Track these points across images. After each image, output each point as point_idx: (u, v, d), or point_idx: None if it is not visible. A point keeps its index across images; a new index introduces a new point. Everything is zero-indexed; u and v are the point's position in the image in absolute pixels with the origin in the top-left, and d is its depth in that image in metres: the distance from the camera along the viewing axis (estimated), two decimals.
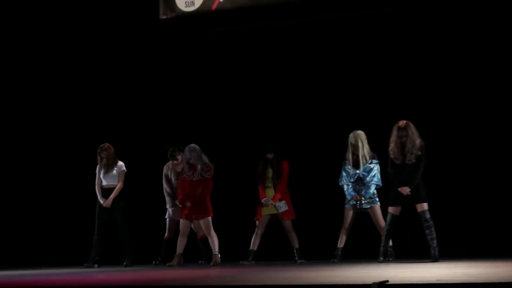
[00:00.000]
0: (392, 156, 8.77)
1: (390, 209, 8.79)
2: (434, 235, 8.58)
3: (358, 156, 9.30)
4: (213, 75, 11.32)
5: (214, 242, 9.57)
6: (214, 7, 10.71)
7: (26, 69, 12.20)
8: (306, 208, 10.12)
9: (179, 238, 9.67)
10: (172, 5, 10.93)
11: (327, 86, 10.72)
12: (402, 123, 8.76)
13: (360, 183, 9.31)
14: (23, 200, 12.05)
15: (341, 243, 9.39)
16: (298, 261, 9.61)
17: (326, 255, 9.56)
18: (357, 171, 9.30)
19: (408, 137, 8.67)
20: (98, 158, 10.04)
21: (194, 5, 10.82)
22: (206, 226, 9.59)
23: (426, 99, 10.10)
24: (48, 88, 12.14)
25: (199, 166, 9.56)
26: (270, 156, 9.78)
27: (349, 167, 9.31)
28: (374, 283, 4.92)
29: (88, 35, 11.67)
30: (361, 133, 9.36)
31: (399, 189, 8.67)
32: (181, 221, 9.69)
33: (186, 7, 10.87)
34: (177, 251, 9.67)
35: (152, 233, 10.63)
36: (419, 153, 8.68)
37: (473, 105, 9.94)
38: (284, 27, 10.87)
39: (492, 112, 9.88)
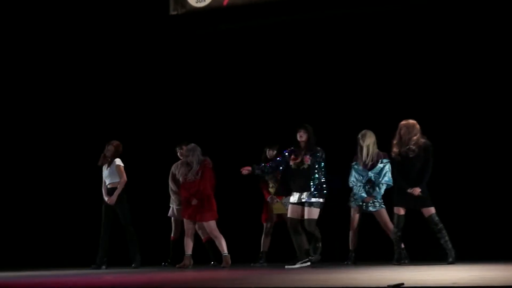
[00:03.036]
0: (392, 155, 8.61)
1: (395, 209, 8.55)
2: (447, 238, 8.33)
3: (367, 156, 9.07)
4: (224, 72, 11.16)
5: (222, 243, 9.27)
6: (225, 2, 10.55)
7: (31, 68, 12.07)
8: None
9: (186, 239, 9.39)
10: (183, 1, 10.78)
11: (339, 83, 10.55)
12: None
13: (370, 184, 9.01)
14: (30, 202, 11.91)
15: (352, 245, 9.10)
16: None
17: (339, 257, 9.35)
18: (369, 173, 9.01)
19: (405, 129, 8.50)
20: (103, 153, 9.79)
21: (205, 1, 10.67)
22: (211, 228, 9.29)
23: (436, 102, 9.92)
24: (52, 87, 12.02)
25: (194, 166, 9.29)
26: (272, 153, 9.50)
27: (360, 168, 9.05)
28: (389, 286, 4.81)
29: (98, 31, 11.55)
30: (369, 132, 9.06)
31: (409, 190, 8.41)
32: (185, 221, 9.41)
33: (197, 2, 10.72)
34: (186, 253, 9.39)
35: (160, 234, 10.40)
36: (419, 146, 8.42)
37: (484, 107, 9.77)
38: (296, 23, 10.69)
39: (505, 114, 9.70)
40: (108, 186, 9.76)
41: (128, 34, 11.43)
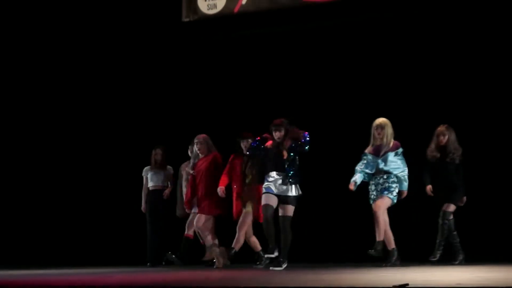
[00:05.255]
0: (429, 158, 8.68)
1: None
2: (443, 238, 8.42)
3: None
4: (235, 77, 11.09)
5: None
6: (236, 9, 10.50)
7: (52, 71, 12.13)
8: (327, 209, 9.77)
9: (211, 235, 9.01)
10: (195, 8, 10.75)
11: (350, 89, 10.45)
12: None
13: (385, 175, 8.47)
14: (55, 200, 11.92)
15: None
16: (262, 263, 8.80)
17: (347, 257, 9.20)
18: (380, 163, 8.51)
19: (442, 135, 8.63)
20: (153, 155, 9.76)
21: (216, 8, 10.61)
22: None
23: (449, 102, 9.83)
24: (70, 90, 12.08)
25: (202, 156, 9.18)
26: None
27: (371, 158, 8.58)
28: (394, 286, 4.71)
29: (112, 37, 11.56)
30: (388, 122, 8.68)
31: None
32: (205, 216, 9.06)
33: (208, 9, 10.67)
34: (219, 248, 8.97)
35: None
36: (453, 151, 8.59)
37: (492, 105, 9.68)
38: (305, 30, 10.64)
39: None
40: (153, 188, 9.87)
41: (143, 40, 11.44)
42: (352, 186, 8.48)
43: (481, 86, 9.74)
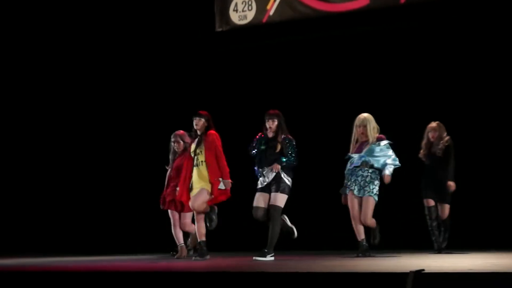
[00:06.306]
0: (420, 155, 8.82)
1: (425, 202, 8.75)
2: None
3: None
4: (263, 82, 11.20)
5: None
6: (264, 20, 10.80)
7: (79, 74, 12.39)
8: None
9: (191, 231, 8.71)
10: (227, 19, 11.04)
11: (378, 97, 10.50)
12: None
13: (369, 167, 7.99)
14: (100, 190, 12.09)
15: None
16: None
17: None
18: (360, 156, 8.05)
19: (433, 132, 8.76)
20: None
21: (246, 19, 10.91)
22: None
23: (437, 99, 10.01)
24: (101, 95, 12.29)
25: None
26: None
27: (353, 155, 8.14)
28: (411, 272, 4.82)
29: (151, 47, 11.78)
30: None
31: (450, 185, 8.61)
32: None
33: (239, 20, 10.97)
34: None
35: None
36: (444, 145, 8.69)
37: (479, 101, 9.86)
38: (325, 39, 10.80)
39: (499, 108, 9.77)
40: None
41: (181, 48, 11.62)
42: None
43: (467, 87, 9.90)
